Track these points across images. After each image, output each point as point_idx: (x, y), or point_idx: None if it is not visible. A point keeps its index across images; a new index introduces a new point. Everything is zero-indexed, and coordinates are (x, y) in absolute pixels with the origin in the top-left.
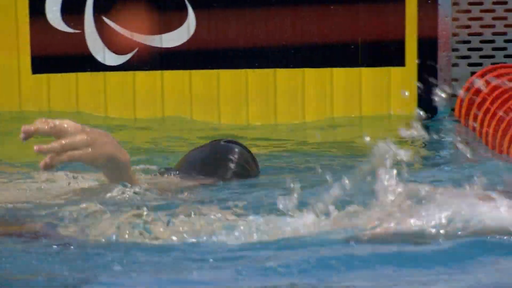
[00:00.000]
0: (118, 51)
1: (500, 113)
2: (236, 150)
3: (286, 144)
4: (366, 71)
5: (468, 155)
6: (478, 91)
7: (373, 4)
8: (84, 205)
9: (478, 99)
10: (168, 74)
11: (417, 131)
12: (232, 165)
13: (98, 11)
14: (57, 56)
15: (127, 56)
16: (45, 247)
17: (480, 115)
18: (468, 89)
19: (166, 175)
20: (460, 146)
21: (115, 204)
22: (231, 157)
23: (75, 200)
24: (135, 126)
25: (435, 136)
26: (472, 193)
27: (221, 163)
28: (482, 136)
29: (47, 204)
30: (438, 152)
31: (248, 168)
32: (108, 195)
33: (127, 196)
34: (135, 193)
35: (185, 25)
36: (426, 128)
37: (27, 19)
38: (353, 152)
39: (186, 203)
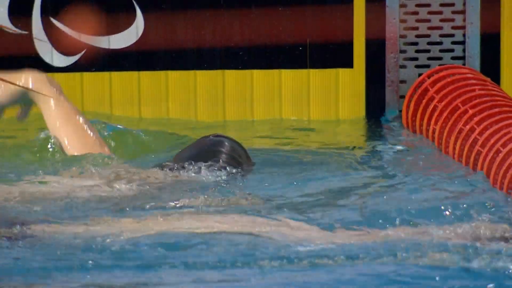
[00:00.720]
0: (66, 53)
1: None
2: (226, 143)
3: None
4: (314, 73)
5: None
6: (425, 91)
7: (321, 5)
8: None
9: (425, 99)
10: (116, 75)
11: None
12: (223, 157)
13: (46, 12)
14: (4, 57)
15: (75, 57)
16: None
17: (427, 114)
18: (415, 90)
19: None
20: (406, 148)
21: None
22: (221, 149)
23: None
24: None
25: (382, 139)
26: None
27: (211, 157)
28: (429, 135)
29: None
30: (382, 156)
31: (240, 160)
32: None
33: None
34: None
35: (133, 26)
36: (374, 131)
37: None
38: (300, 152)
39: (186, 195)
